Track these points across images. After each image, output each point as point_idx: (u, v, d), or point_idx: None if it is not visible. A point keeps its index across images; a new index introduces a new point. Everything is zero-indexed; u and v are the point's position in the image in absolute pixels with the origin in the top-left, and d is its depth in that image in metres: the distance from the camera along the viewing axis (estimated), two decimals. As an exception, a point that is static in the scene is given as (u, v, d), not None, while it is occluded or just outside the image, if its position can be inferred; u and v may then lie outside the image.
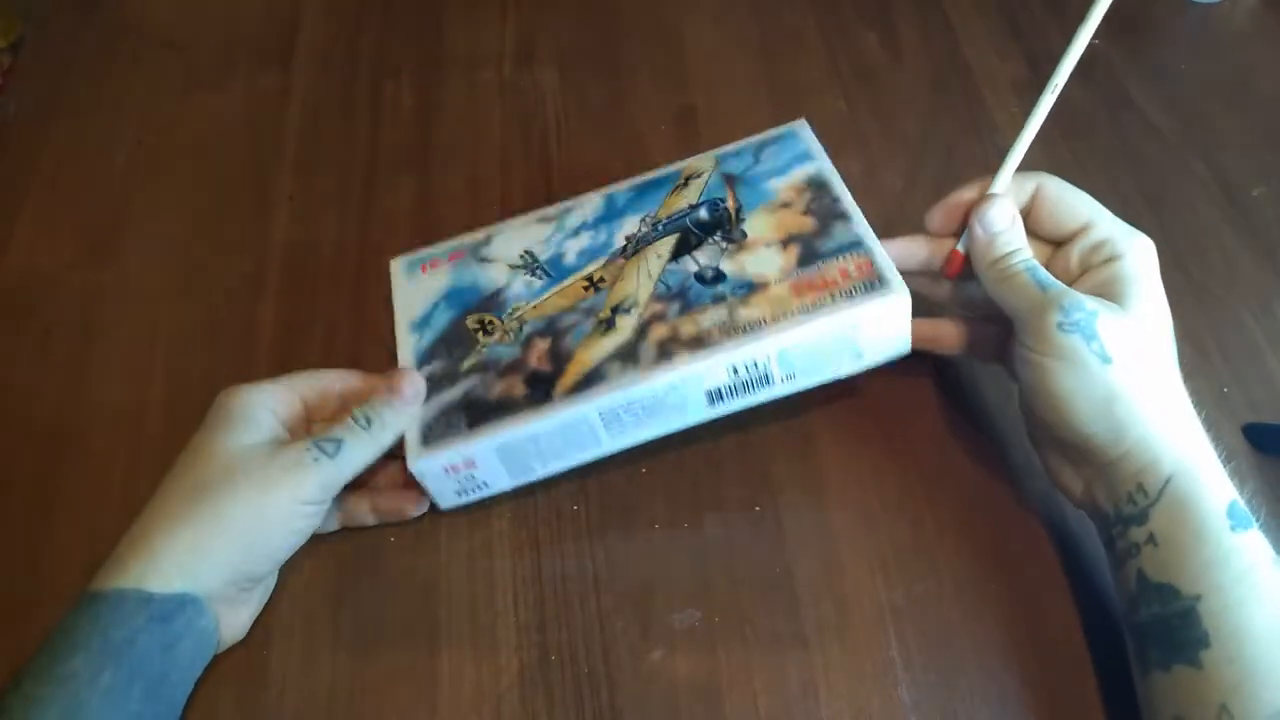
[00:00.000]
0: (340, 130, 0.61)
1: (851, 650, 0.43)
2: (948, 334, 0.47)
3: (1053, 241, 0.43)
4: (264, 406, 0.41)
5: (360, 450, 0.41)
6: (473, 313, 0.46)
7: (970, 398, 0.50)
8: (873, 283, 0.43)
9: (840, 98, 0.63)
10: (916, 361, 0.51)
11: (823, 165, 0.48)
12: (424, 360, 0.45)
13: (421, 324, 0.47)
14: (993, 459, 0.48)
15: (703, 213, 0.47)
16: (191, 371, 0.50)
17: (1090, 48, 0.67)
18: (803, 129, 0.49)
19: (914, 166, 0.60)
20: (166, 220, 0.56)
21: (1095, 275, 0.41)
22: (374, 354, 0.50)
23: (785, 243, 0.45)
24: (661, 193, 0.49)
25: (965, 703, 0.42)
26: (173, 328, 0.52)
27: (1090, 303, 0.39)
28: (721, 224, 0.46)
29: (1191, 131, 0.62)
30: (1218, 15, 0.69)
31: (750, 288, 0.44)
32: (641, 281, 0.46)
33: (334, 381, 0.44)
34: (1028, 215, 0.43)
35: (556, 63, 0.65)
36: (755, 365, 0.42)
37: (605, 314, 0.45)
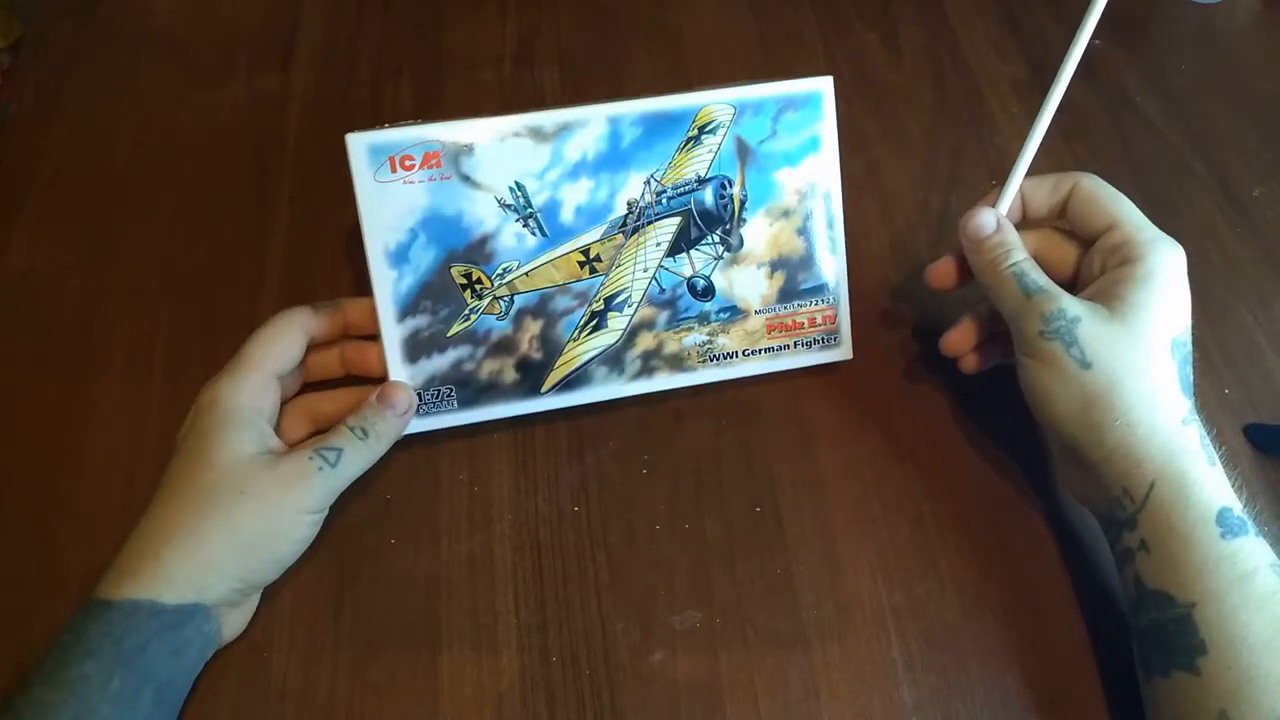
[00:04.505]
0: (340, 130, 0.60)
1: (852, 651, 0.43)
2: (973, 334, 0.47)
3: (1086, 240, 0.44)
4: (251, 405, 0.42)
5: (358, 459, 0.42)
6: (459, 262, 0.45)
7: (971, 399, 0.50)
8: (830, 336, 0.49)
9: (840, 98, 0.63)
10: (917, 363, 0.51)
11: (830, 165, 0.48)
12: (407, 310, 0.45)
13: (399, 257, 0.44)
14: (993, 459, 0.48)
15: (708, 198, 0.46)
16: (191, 371, 0.50)
17: (1090, 47, 0.67)
18: (826, 94, 0.47)
19: (914, 166, 0.60)
20: (166, 220, 0.56)
21: (1110, 276, 0.41)
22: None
23: (774, 267, 0.48)
24: (671, 141, 0.46)
25: (966, 703, 0.42)
26: (173, 328, 0.52)
27: (1074, 309, 0.40)
28: (723, 219, 0.47)
29: (1191, 131, 0.62)
30: (1218, 15, 0.69)
31: (733, 313, 0.48)
32: (637, 275, 0.46)
33: (293, 344, 0.44)
34: (1063, 214, 0.44)
35: (556, 63, 0.64)
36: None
37: (599, 305, 0.46)
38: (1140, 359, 0.39)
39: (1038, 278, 0.41)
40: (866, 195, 0.58)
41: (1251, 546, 0.37)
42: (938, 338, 0.47)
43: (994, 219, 0.43)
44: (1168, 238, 0.42)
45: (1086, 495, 0.43)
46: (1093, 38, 0.42)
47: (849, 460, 0.48)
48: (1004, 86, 0.64)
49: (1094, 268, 0.42)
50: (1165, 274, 0.40)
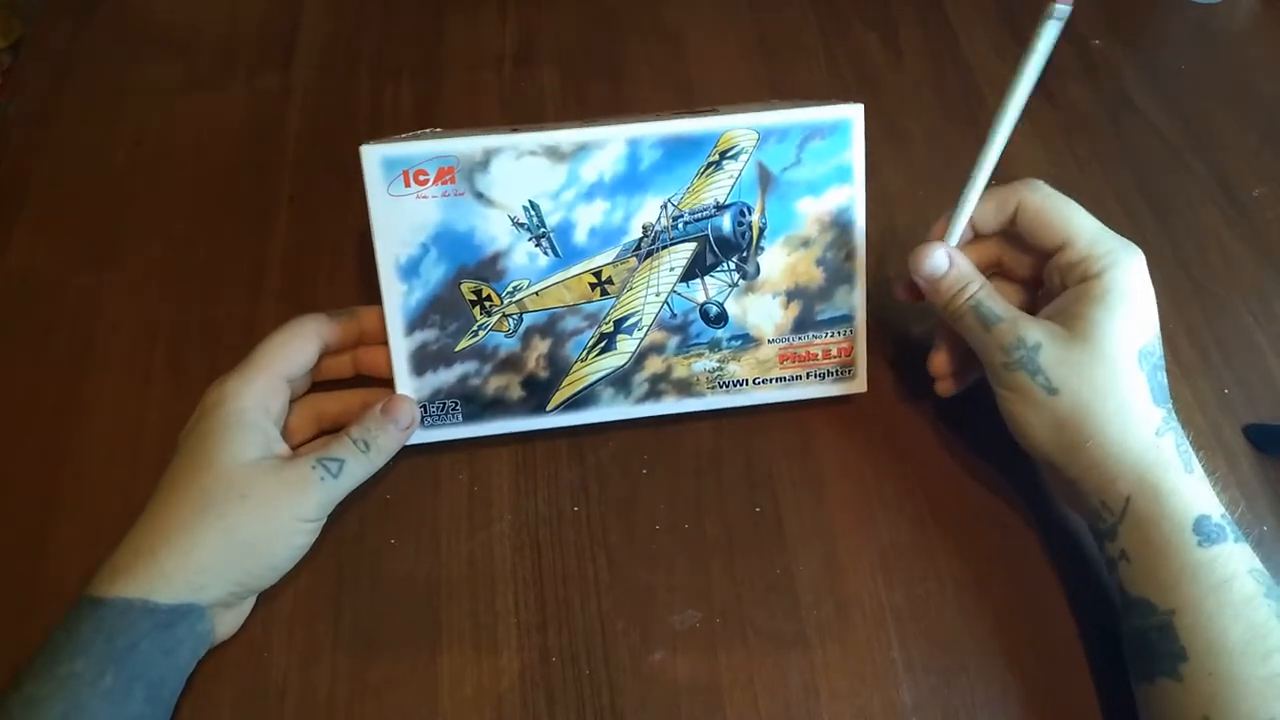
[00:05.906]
0: (340, 130, 0.61)
1: (852, 651, 0.43)
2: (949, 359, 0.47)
3: (1042, 254, 0.43)
4: (259, 408, 0.42)
5: (358, 470, 0.42)
6: (469, 278, 0.45)
7: (972, 398, 0.50)
8: (845, 369, 0.48)
9: (840, 98, 0.63)
10: (917, 363, 0.51)
11: (856, 194, 0.46)
12: (415, 323, 0.45)
13: (410, 271, 0.44)
14: (994, 459, 0.48)
15: (726, 224, 0.45)
16: (191, 371, 0.50)
17: (1090, 48, 0.67)
18: (856, 122, 0.46)
19: (914, 166, 0.60)
20: (166, 220, 0.56)
21: (1069, 294, 0.41)
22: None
23: (790, 296, 0.47)
24: (691, 165, 0.44)
25: (966, 703, 0.42)
26: (173, 328, 0.52)
27: (1033, 336, 0.40)
28: (740, 247, 0.46)
29: (1191, 131, 0.62)
30: (1218, 15, 0.69)
31: (745, 340, 0.47)
32: (649, 299, 0.46)
33: (306, 348, 0.44)
34: (1011, 228, 0.43)
35: (556, 63, 0.64)
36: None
37: (608, 327, 0.46)
38: (1105, 378, 0.39)
39: (995, 307, 0.41)
40: (866, 195, 0.58)
41: (1230, 553, 0.37)
42: (935, 338, 0.47)
43: (945, 258, 0.42)
44: (1125, 244, 0.41)
45: (1072, 505, 0.43)
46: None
47: (849, 460, 0.48)
48: (1004, 86, 0.63)
49: (1054, 281, 0.42)
50: (1124, 286, 0.39)
